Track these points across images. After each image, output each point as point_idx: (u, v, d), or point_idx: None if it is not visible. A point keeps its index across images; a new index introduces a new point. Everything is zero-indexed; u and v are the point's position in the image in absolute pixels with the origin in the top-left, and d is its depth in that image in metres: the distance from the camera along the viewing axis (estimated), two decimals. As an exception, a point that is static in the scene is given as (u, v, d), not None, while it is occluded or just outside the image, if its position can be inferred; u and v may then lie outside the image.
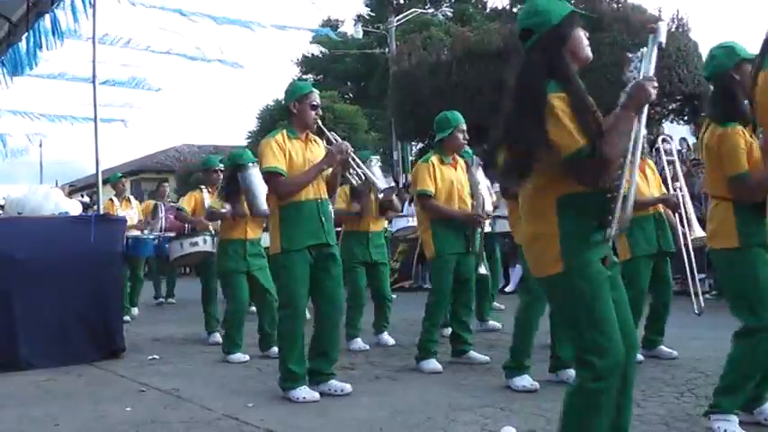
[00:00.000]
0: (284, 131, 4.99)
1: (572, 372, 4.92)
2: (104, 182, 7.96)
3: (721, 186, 3.65)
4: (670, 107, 15.41)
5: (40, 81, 12.57)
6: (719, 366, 5.09)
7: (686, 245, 5.59)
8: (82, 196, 19.90)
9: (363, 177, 5.10)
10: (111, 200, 9.96)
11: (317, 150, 5.02)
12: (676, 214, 5.67)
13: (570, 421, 2.74)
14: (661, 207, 5.68)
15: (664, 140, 6.43)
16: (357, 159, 5.07)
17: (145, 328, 8.13)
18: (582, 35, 2.75)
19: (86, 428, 4.27)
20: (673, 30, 15.83)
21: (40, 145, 23.10)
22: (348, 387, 4.89)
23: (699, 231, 5.34)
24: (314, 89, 5.09)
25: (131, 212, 9.76)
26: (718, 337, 6.23)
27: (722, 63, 3.64)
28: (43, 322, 6.09)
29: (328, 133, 5.08)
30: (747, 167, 3.49)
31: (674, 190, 5.66)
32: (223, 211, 6.50)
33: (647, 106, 2.67)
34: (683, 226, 5.55)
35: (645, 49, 2.71)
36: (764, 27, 4.06)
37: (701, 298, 5.75)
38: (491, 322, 7.51)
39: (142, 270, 10.58)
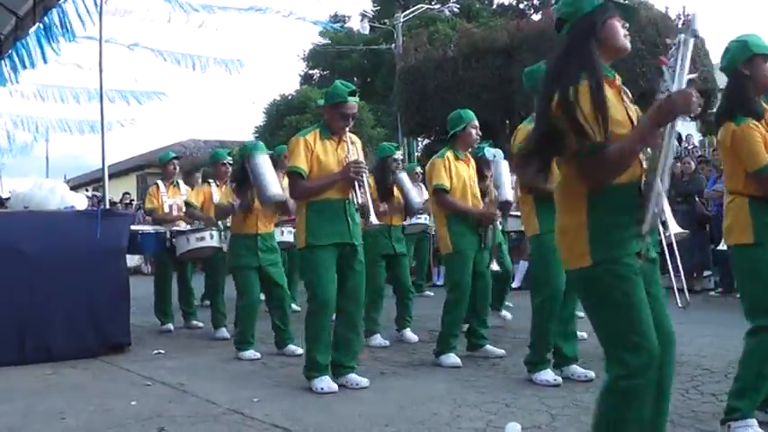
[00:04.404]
0: (318, 130, 5.02)
1: (576, 368, 4.94)
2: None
3: (737, 181, 3.60)
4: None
5: (46, 85, 12.70)
6: (724, 364, 5.11)
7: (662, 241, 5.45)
8: (87, 190, 19.90)
9: (361, 201, 4.98)
10: (156, 184, 8.47)
11: (353, 150, 5.00)
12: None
13: (603, 420, 2.66)
14: None
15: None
16: (366, 184, 5.02)
17: (150, 322, 8.14)
18: (617, 25, 2.66)
19: (92, 422, 4.28)
20: (679, 26, 15.77)
21: (47, 140, 23.13)
22: (365, 381, 4.94)
23: (675, 228, 5.29)
24: (349, 99, 4.96)
25: (180, 201, 8.33)
26: (723, 334, 6.25)
27: (734, 57, 3.59)
28: (49, 317, 6.11)
29: (349, 145, 5.01)
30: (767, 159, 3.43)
31: None
32: (229, 204, 6.41)
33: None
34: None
35: (680, 39, 2.54)
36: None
37: (686, 293, 5.54)
38: (503, 312, 7.52)
39: (191, 272, 8.46)
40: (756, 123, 3.50)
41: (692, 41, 2.53)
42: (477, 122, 5.80)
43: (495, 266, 5.73)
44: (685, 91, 2.47)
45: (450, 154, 5.74)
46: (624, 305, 2.58)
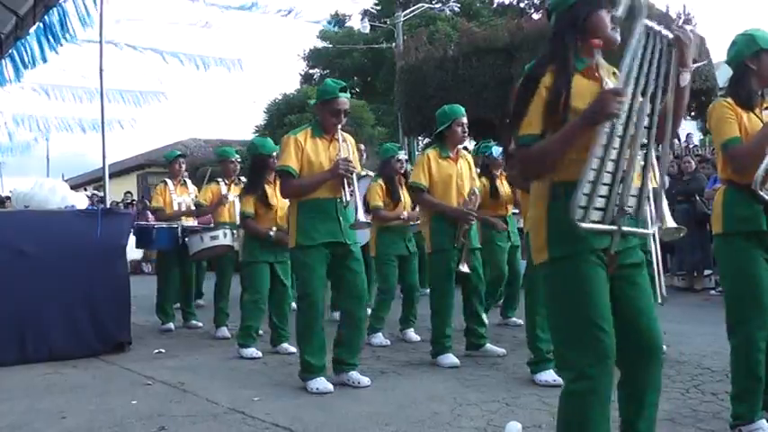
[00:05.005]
0: (309, 129, 5.03)
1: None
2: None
3: (719, 166, 3.61)
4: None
5: (47, 82, 12.75)
6: (725, 363, 5.10)
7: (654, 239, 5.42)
8: (86, 189, 19.88)
9: (348, 200, 4.94)
10: (164, 182, 8.46)
11: (344, 148, 4.97)
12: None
13: (561, 426, 2.60)
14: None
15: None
16: (355, 182, 4.98)
17: (151, 321, 8.14)
18: (603, 17, 2.59)
19: (92, 421, 4.28)
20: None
21: (47, 139, 23.13)
22: (366, 380, 4.95)
23: (670, 223, 5.28)
24: (339, 95, 4.94)
25: (188, 199, 8.36)
26: (724, 333, 6.21)
27: (740, 51, 3.58)
28: (50, 316, 6.11)
29: (340, 143, 4.98)
30: (736, 134, 3.41)
31: None
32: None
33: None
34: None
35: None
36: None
37: (663, 287, 5.45)
38: (513, 318, 7.54)
39: (193, 270, 8.51)
40: (731, 103, 3.48)
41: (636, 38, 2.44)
42: (464, 119, 5.69)
43: (464, 268, 5.62)
44: (611, 90, 2.39)
45: (432, 152, 5.70)
46: (574, 304, 2.51)
